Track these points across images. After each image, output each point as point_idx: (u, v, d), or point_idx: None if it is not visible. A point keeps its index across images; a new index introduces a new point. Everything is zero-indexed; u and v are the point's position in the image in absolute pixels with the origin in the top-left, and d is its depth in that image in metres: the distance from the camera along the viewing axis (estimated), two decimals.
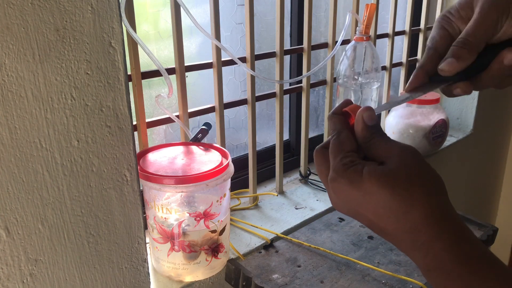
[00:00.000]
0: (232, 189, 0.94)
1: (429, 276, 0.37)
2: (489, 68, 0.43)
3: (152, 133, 0.90)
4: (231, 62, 0.82)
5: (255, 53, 0.85)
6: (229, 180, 0.69)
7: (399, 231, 0.37)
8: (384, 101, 1.19)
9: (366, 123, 0.41)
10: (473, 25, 0.43)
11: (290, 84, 0.99)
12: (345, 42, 1.01)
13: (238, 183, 0.99)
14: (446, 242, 0.36)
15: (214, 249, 0.70)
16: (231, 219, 0.85)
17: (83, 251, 0.58)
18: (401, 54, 1.23)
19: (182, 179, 0.63)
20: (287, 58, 1.08)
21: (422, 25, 1.23)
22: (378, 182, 0.37)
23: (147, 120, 0.74)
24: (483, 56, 0.43)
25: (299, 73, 1.06)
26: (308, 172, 1.04)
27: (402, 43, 1.22)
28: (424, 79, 0.45)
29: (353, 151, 0.41)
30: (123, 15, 0.61)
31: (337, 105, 0.45)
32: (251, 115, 0.87)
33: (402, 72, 1.24)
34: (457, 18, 0.45)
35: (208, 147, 0.74)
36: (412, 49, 1.23)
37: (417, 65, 0.45)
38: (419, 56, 1.26)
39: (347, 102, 0.44)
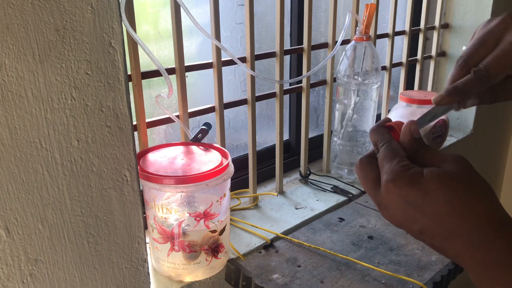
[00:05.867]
0: (232, 189, 0.94)
1: (489, 274, 0.37)
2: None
3: (152, 133, 0.90)
4: (231, 62, 0.82)
5: (255, 53, 0.85)
6: (229, 180, 0.69)
7: (459, 230, 0.38)
8: (384, 101, 1.19)
9: (413, 135, 0.43)
10: (494, 57, 0.46)
11: (290, 84, 0.99)
12: (345, 42, 1.01)
13: (238, 183, 0.99)
14: (510, 238, 0.37)
15: (214, 249, 0.70)
16: (231, 219, 0.85)
17: (83, 251, 0.58)
18: (401, 54, 1.23)
19: (182, 179, 0.63)
20: (287, 58, 1.08)
21: (422, 25, 1.23)
22: (441, 181, 0.38)
23: (147, 120, 0.74)
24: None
25: (299, 73, 1.06)
26: (308, 172, 1.04)
27: (402, 43, 1.22)
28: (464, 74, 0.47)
29: (407, 158, 0.42)
30: (123, 15, 0.61)
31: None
32: (251, 115, 0.87)
33: (402, 72, 1.24)
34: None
35: (208, 147, 0.74)
36: (412, 49, 1.23)
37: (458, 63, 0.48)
38: (419, 56, 1.26)
39: (387, 120, 0.47)
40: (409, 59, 1.23)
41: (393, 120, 0.47)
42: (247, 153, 0.92)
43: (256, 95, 0.88)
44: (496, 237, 0.37)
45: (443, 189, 0.38)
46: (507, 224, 0.38)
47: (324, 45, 1.00)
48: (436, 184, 0.38)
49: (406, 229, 0.42)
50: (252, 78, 0.85)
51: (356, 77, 0.98)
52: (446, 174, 0.39)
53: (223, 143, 0.84)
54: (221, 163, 0.68)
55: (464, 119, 1.38)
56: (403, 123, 0.45)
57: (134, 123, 0.72)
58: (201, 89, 0.95)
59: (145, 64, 0.73)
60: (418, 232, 0.41)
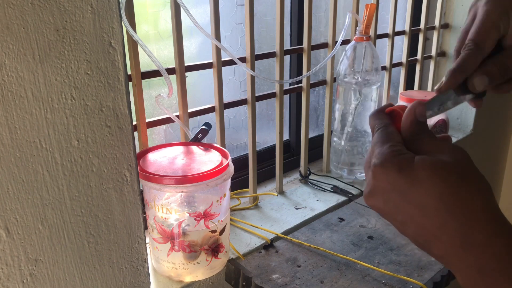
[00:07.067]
0: (232, 189, 0.94)
1: (483, 279, 0.34)
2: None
3: (152, 133, 0.90)
4: (231, 62, 0.82)
5: (255, 53, 0.85)
6: (229, 180, 0.69)
7: (448, 226, 0.34)
8: (384, 101, 1.19)
9: (416, 117, 0.40)
10: (474, 27, 0.43)
11: (290, 84, 0.99)
12: (345, 42, 1.01)
13: (238, 183, 0.99)
14: (508, 239, 0.33)
15: (214, 249, 0.70)
16: (231, 219, 0.85)
17: (83, 251, 0.58)
18: (401, 54, 1.23)
19: (182, 179, 0.63)
20: (287, 58, 1.08)
21: (422, 25, 1.23)
22: (432, 170, 0.35)
23: (147, 120, 0.74)
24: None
25: (299, 73, 1.06)
26: (308, 172, 1.04)
27: (402, 43, 1.22)
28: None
29: (401, 143, 0.39)
30: (123, 15, 0.61)
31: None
32: (251, 115, 0.87)
33: (402, 72, 1.24)
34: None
35: (208, 147, 0.74)
36: (412, 49, 1.23)
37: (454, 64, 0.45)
38: (419, 56, 1.26)
39: (390, 105, 0.44)
40: (409, 59, 1.23)
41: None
42: (247, 153, 0.92)
43: (256, 95, 0.88)
44: (494, 239, 0.34)
45: (434, 179, 0.35)
46: (504, 225, 0.34)
47: (324, 45, 1.00)
48: (426, 172, 0.35)
49: (390, 219, 0.38)
50: (252, 78, 0.85)
51: (356, 77, 0.98)
52: (439, 163, 0.35)
53: (223, 143, 0.84)
54: (221, 163, 0.68)
55: (464, 119, 1.38)
56: (406, 107, 0.42)
57: (134, 123, 0.72)
58: (201, 89, 0.95)
59: (145, 64, 0.73)
60: (401, 224, 0.38)
